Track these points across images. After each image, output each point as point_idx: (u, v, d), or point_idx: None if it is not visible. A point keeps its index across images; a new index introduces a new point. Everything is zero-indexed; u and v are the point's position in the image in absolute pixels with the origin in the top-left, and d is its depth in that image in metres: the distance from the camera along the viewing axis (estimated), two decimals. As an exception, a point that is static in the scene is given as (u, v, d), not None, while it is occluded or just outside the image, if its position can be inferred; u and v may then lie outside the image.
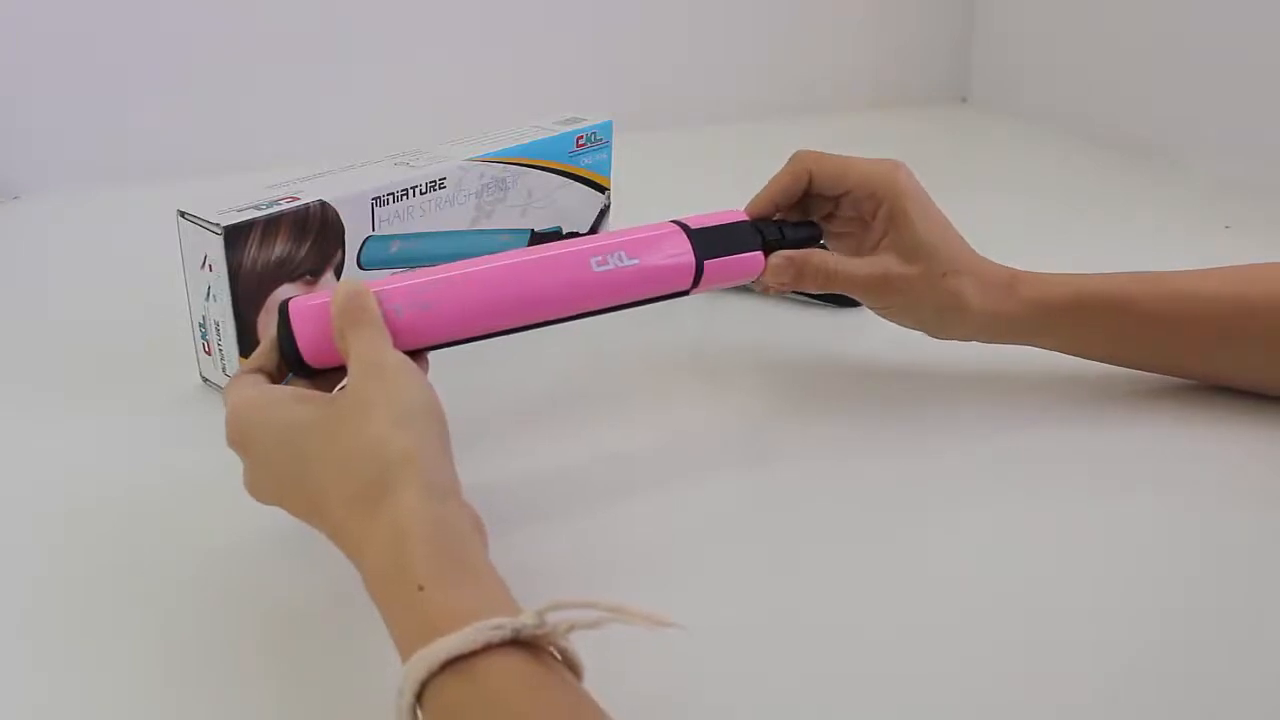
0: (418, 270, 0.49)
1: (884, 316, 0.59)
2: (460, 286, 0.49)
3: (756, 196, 0.58)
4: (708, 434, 0.58)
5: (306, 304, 0.47)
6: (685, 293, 0.55)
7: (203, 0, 0.98)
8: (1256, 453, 0.55)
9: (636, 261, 0.52)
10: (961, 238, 0.57)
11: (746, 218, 0.57)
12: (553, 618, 0.32)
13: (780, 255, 0.56)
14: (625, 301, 0.53)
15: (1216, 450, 0.56)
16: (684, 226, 0.55)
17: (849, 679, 0.41)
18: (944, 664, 0.41)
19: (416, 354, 0.48)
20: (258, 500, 0.43)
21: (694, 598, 0.45)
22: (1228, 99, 1.02)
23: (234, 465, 0.54)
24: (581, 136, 0.74)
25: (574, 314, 0.52)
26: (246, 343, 0.57)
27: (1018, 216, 0.94)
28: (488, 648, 0.31)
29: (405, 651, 0.32)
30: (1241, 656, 0.42)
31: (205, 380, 0.61)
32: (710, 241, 0.55)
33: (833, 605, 0.45)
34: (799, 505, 0.52)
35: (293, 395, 0.43)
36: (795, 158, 0.58)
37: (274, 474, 0.42)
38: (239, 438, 0.43)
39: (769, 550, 0.49)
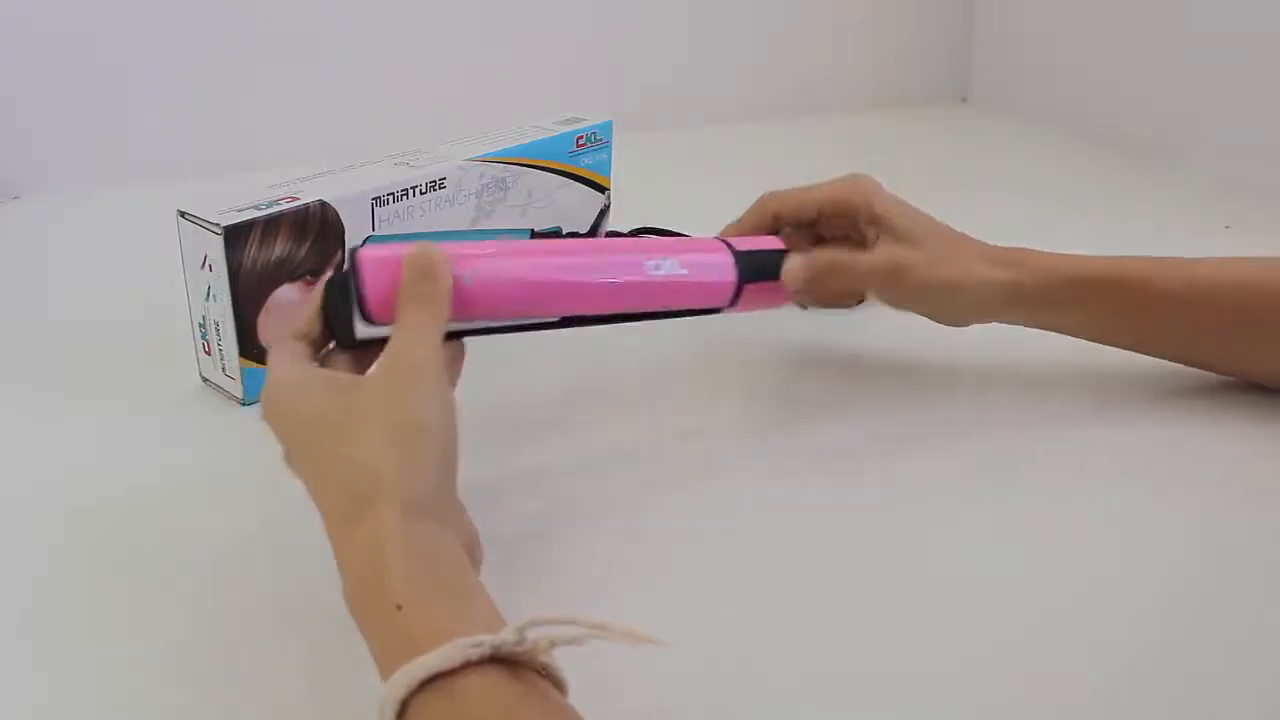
0: (487, 242, 0.49)
1: (899, 307, 0.58)
2: (530, 261, 0.48)
3: (726, 229, 0.60)
4: (707, 433, 0.58)
5: (380, 255, 0.44)
6: (717, 310, 0.56)
7: (203, 0, 0.98)
8: (1261, 450, 0.55)
9: (686, 273, 0.53)
10: (944, 224, 0.58)
11: (783, 247, 0.58)
12: (533, 634, 0.31)
13: (794, 258, 0.57)
14: (667, 309, 0.54)
15: (1217, 447, 0.56)
16: (729, 245, 0.56)
17: (849, 679, 0.41)
18: (943, 663, 0.41)
19: (457, 335, 0.47)
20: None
21: (691, 597, 0.45)
22: (1228, 99, 1.02)
23: (233, 466, 0.55)
24: (581, 136, 0.74)
25: (622, 312, 0.53)
26: (247, 343, 0.57)
27: (1018, 216, 0.94)
28: (466, 665, 0.30)
29: (386, 669, 0.32)
30: (1241, 655, 0.42)
31: (205, 380, 0.61)
32: (751, 265, 0.56)
33: (834, 605, 0.45)
34: (798, 503, 0.52)
35: (323, 380, 0.42)
36: (759, 202, 0.60)
37: (293, 458, 0.41)
38: (270, 418, 0.42)
39: (768, 549, 0.48)
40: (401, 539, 0.35)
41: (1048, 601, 0.45)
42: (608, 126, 0.76)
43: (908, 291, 0.57)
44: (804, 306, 0.64)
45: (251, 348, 0.57)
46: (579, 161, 0.74)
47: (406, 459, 0.38)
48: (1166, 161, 1.06)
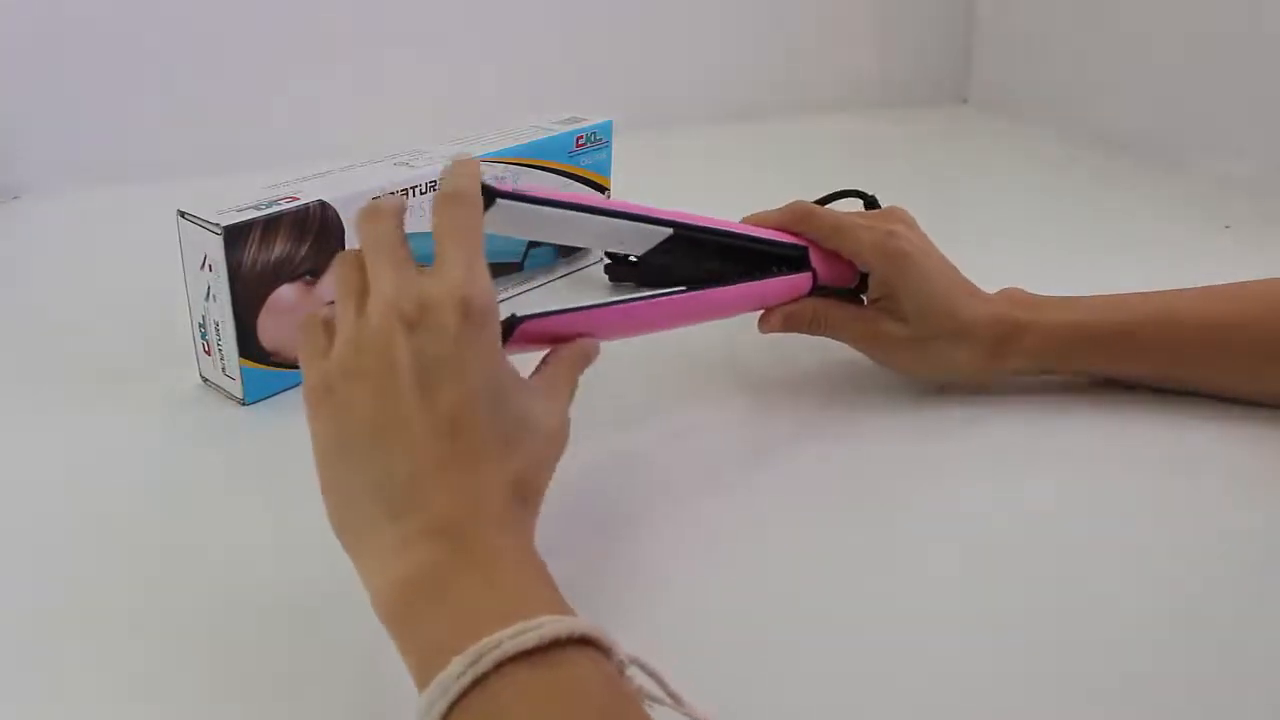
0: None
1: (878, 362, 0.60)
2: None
3: (751, 215, 0.60)
4: (710, 429, 0.58)
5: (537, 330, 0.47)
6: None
7: (203, 1, 0.98)
8: (1258, 450, 0.55)
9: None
10: (960, 290, 0.58)
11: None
12: (630, 670, 0.33)
13: (777, 313, 0.58)
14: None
15: (1219, 445, 0.56)
16: (815, 278, 0.58)
17: (850, 673, 0.41)
18: (943, 661, 0.42)
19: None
20: (314, 387, 0.40)
21: (695, 595, 0.45)
22: (1228, 99, 1.02)
23: (234, 466, 0.55)
24: (581, 136, 0.74)
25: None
26: (246, 343, 0.57)
27: (1018, 217, 0.94)
28: (606, 650, 0.32)
29: (516, 612, 0.32)
30: (1240, 651, 0.42)
31: (205, 380, 0.61)
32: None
33: (834, 600, 0.45)
34: (801, 499, 0.52)
35: (517, 375, 0.41)
36: (792, 212, 0.59)
37: (457, 368, 0.38)
38: (475, 321, 0.38)
39: (766, 542, 0.49)
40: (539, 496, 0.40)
41: (1048, 598, 0.45)
42: (608, 126, 0.76)
43: (885, 363, 0.60)
44: None
45: (251, 348, 0.57)
46: (579, 161, 0.74)
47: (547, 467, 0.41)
48: (1166, 161, 1.06)
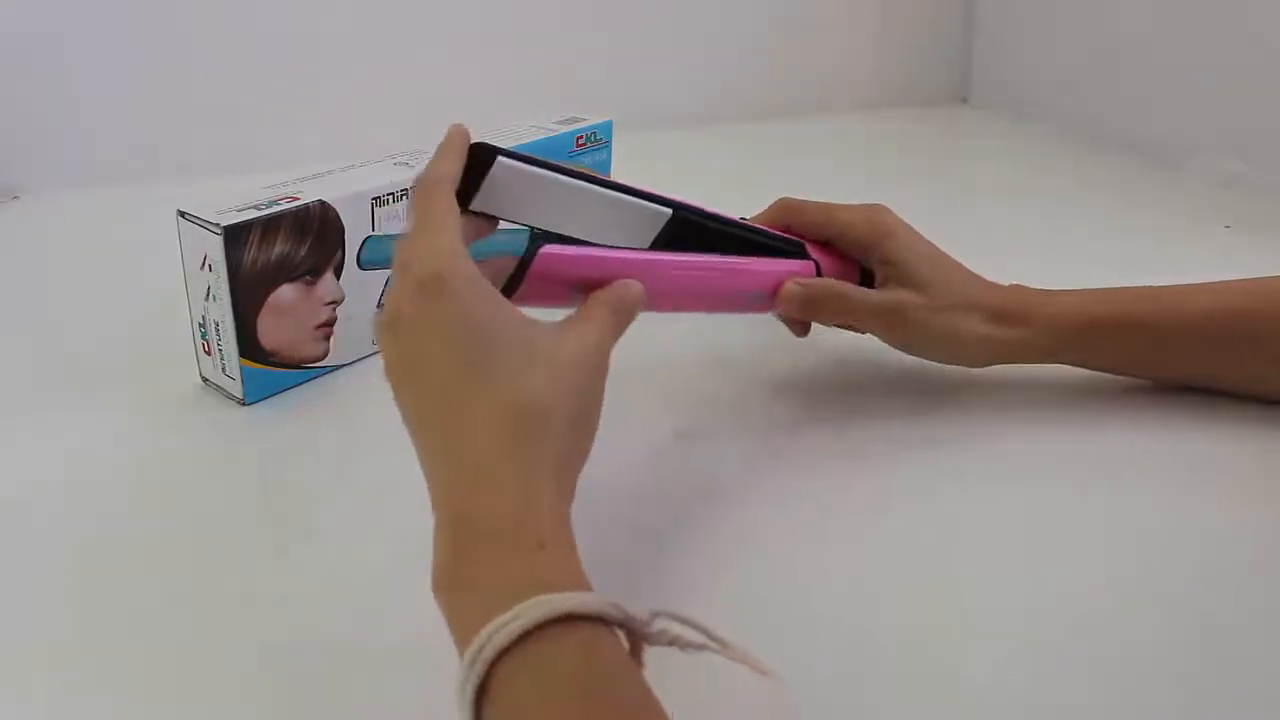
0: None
1: (898, 347, 0.59)
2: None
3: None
4: (715, 431, 0.58)
5: (562, 253, 0.47)
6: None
7: (202, 0, 0.98)
8: (1267, 451, 0.55)
9: (763, 296, 0.56)
10: (960, 266, 0.58)
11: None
12: (660, 623, 0.33)
13: (793, 282, 0.56)
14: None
15: (1222, 447, 0.56)
16: (818, 268, 0.58)
17: (859, 672, 0.41)
18: (946, 664, 0.42)
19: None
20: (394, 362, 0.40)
21: (695, 602, 0.45)
22: (1228, 99, 1.02)
23: (234, 466, 0.55)
24: (581, 136, 0.74)
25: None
26: (246, 343, 0.57)
27: (1018, 217, 0.94)
28: (595, 619, 0.32)
29: (508, 600, 0.32)
30: (1240, 655, 0.42)
31: (205, 380, 0.61)
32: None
33: (842, 607, 0.45)
34: (801, 504, 0.52)
35: (519, 317, 0.40)
36: (776, 207, 0.59)
37: (439, 349, 0.39)
38: (437, 299, 0.38)
39: (766, 551, 0.49)
40: (555, 481, 0.37)
41: (1049, 599, 0.45)
42: (608, 126, 0.76)
43: (906, 338, 0.58)
44: (798, 333, 0.63)
45: (251, 348, 0.57)
46: (579, 161, 0.74)
47: (575, 431, 0.40)
48: (1166, 161, 1.06)
